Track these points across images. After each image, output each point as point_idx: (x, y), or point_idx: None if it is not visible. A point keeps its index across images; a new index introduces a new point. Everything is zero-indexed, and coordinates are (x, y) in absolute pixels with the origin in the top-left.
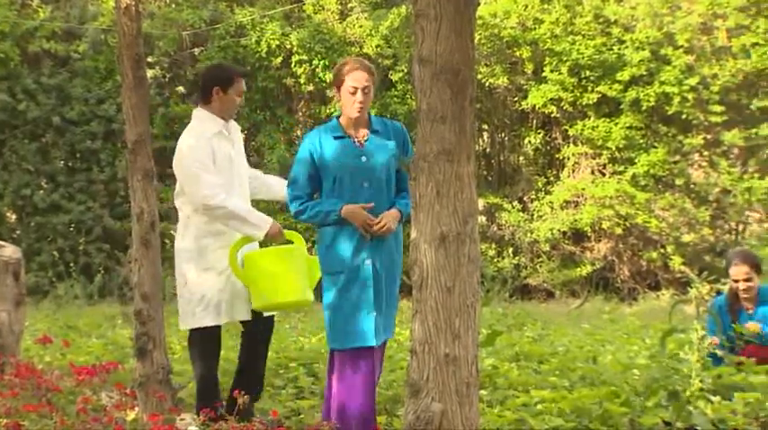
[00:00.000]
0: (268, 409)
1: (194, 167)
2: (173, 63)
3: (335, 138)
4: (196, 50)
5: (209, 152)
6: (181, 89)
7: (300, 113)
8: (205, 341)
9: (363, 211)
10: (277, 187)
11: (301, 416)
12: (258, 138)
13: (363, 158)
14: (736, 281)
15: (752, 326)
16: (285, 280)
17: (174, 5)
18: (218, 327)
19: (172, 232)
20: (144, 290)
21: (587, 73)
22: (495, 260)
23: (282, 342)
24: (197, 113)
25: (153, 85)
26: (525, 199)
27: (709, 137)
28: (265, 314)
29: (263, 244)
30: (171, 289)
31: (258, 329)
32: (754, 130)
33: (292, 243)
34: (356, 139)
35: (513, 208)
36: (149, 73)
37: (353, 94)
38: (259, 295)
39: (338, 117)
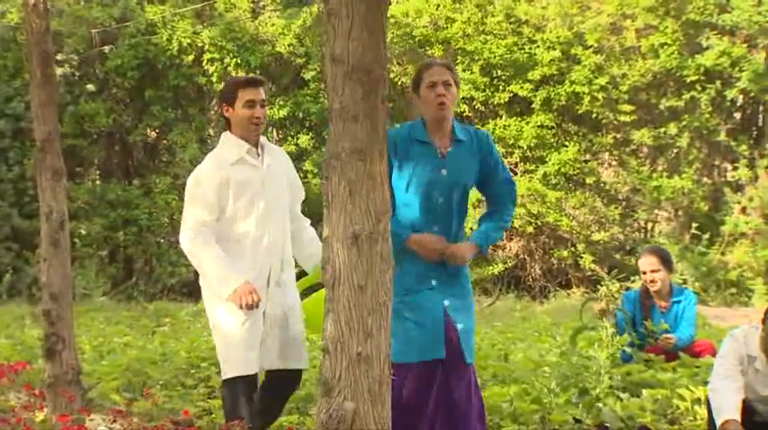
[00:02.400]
0: (179, 409)
1: (190, 200)
2: (82, 61)
3: (417, 142)
4: (106, 48)
5: (215, 184)
6: (90, 87)
7: (213, 112)
8: (239, 390)
9: (433, 241)
10: (306, 245)
11: (213, 415)
12: (170, 136)
13: (444, 172)
14: (644, 272)
15: (663, 342)
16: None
17: (83, 3)
18: (250, 377)
19: (81, 231)
20: (53, 289)
21: (499, 72)
22: None
23: (194, 341)
24: (222, 138)
25: (62, 83)
26: None
27: (618, 136)
28: (292, 366)
29: None
30: (80, 288)
31: (283, 384)
32: (662, 129)
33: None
34: (439, 148)
35: None
36: (58, 71)
37: (433, 87)
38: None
39: (423, 120)
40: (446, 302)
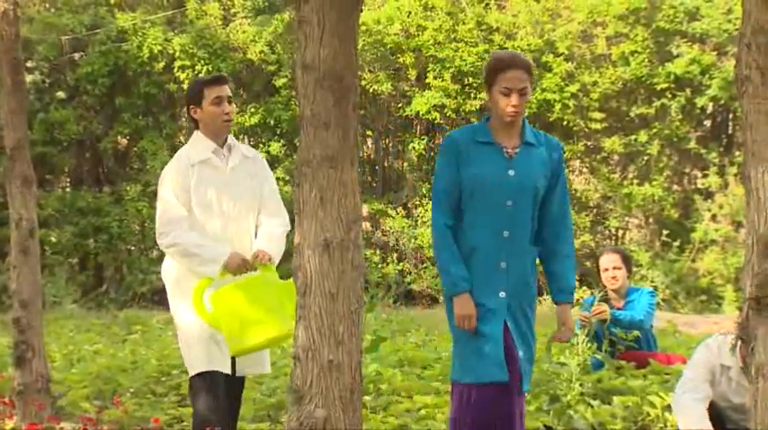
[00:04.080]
0: (149, 417)
1: (159, 200)
2: (52, 68)
3: (481, 143)
4: (76, 56)
5: (181, 182)
6: (61, 94)
7: (184, 119)
8: (200, 388)
9: (470, 314)
10: (261, 235)
11: (184, 423)
12: (141, 144)
13: (511, 172)
14: (606, 269)
15: (597, 309)
16: (256, 315)
17: (53, 10)
18: (215, 374)
19: (51, 239)
20: (22, 297)
21: (470, 80)
22: (380, 266)
23: (165, 349)
24: (192, 137)
25: (32, 91)
26: (409, 205)
27: (589, 143)
28: (252, 372)
29: None
30: (50, 296)
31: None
32: (633, 137)
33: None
34: (506, 149)
35: (398, 214)
36: (28, 78)
37: (507, 95)
38: (230, 339)
39: (488, 119)
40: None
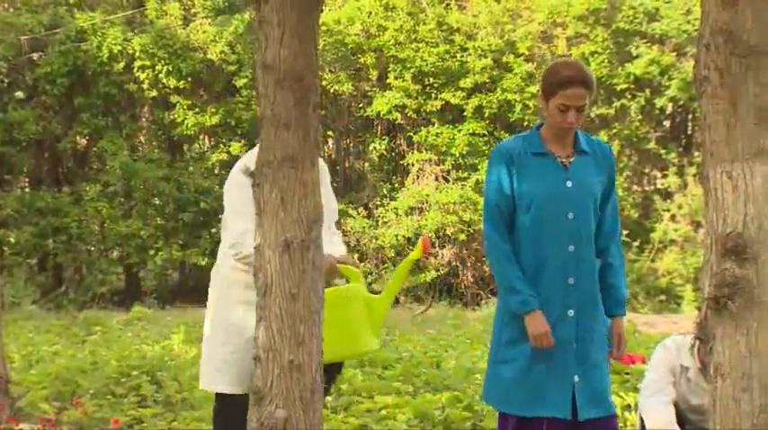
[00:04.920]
0: (109, 418)
1: (229, 210)
2: (11, 68)
3: (535, 154)
4: (35, 55)
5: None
6: (19, 94)
7: (144, 119)
8: (228, 411)
9: (546, 331)
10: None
11: (144, 424)
12: (100, 144)
13: (569, 183)
14: None
15: None
16: (339, 330)
17: (12, 10)
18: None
19: (10, 239)
20: None
21: (431, 80)
22: None
23: (125, 350)
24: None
25: None
26: (371, 205)
27: None
28: None
29: None
30: (9, 297)
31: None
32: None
33: (347, 281)
34: (560, 158)
35: (359, 214)
36: None
37: (564, 112)
38: None
39: (539, 127)
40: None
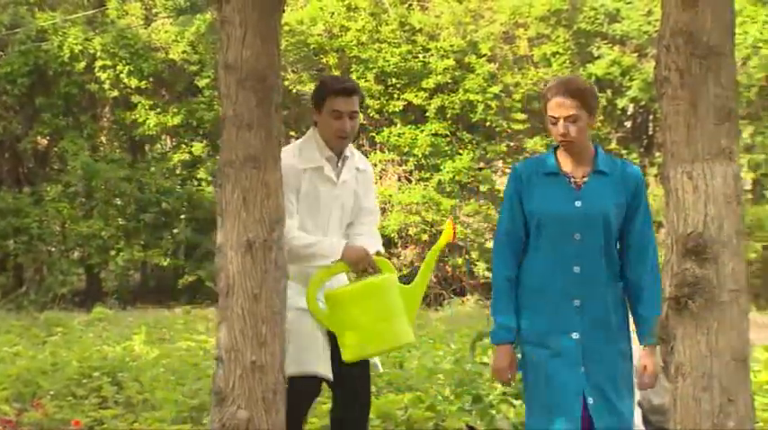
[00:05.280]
0: (70, 419)
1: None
2: None
3: (547, 174)
4: None
5: (291, 185)
6: None
7: (105, 119)
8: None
9: (503, 368)
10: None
11: (104, 425)
12: (61, 144)
13: (578, 203)
14: None
15: None
16: (378, 323)
17: None
18: (309, 380)
19: None
20: None
21: (393, 80)
22: None
23: (86, 351)
24: (308, 133)
25: None
26: None
27: (512, 144)
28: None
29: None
30: None
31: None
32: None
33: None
34: (573, 179)
35: None
36: None
37: (554, 124)
38: (349, 344)
39: (556, 148)
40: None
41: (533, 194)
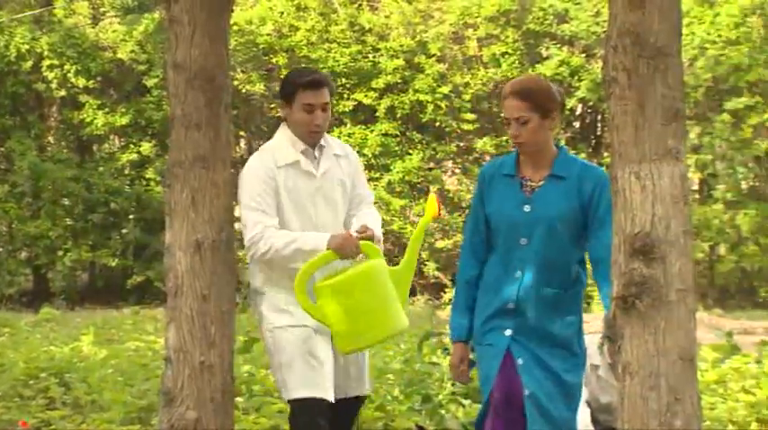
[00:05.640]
0: (17, 420)
1: (242, 207)
2: None
3: (505, 175)
4: None
5: (266, 186)
6: None
7: (52, 119)
8: (301, 416)
9: (454, 364)
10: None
11: (52, 426)
12: (8, 144)
13: (527, 208)
14: None
15: None
16: (372, 312)
17: None
18: (319, 401)
19: None
20: None
21: (343, 80)
22: None
23: (33, 351)
24: (280, 130)
25: None
26: None
27: (461, 144)
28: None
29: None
30: None
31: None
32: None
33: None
34: (530, 183)
35: None
36: None
37: (507, 125)
38: (342, 337)
39: None
40: (519, 361)
41: (492, 197)
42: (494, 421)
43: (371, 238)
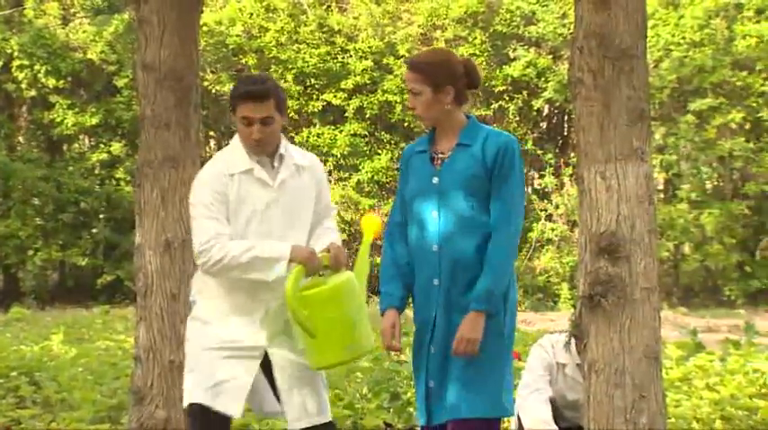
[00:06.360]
0: None
1: (193, 217)
2: None
3: (419, 152)
4: None
5: (217, 194)
6: None
7: (22, 119)
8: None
9: (386, 334)
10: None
11: (22, 425)
12: None
13: (435, 180)
14: None
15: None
16: (352, 327)
17: None
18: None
19: None
20: None
21: (312, 81)
22: None
23: (3, 350)
24: (236, 137)
25: None
26: None
27: None
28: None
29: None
30: None
31: None
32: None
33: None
34: (440, 155)
35: None
36: None
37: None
38: (323, 350)
39: None
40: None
41: (407, 174)
42: None
43: (339, 264)
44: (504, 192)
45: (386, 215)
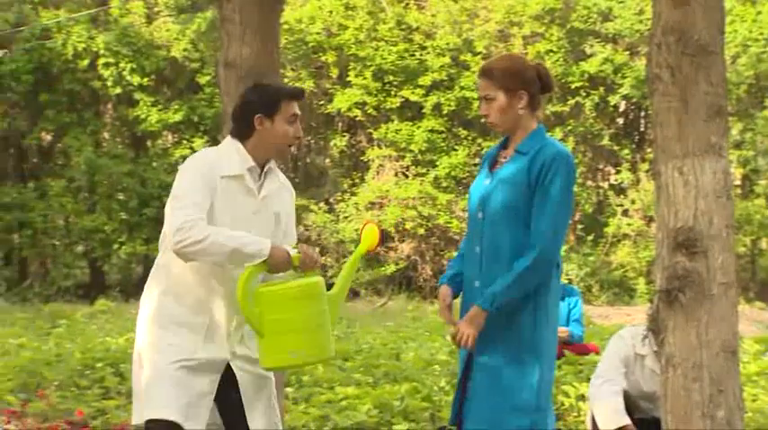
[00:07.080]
0: (74, 409)
1: (175, 199)
2: None
3: (490, 155)
4: (0, 53)
5: (205, 189)
6: None
7: (108, 116)
8: None
9: (442, 310)
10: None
11: (107, 415)
12: (65, 140)
13: (487, 181)
14: None
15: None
16: (312, 330)
17: None
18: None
19: None
20: None
21: (390, 78)
22: None
23: (89, 342)
24: (228, 143)
25: None
26: (332, 200)
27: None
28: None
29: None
30: None
31: None
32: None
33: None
34: (501, 159)
35: (320, 209)
36: None
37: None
38: (276, 349)
39: None
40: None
41: (478, 174)
42: None
43: (307, 266)
44: (543, 205)
45: (463, 210)
